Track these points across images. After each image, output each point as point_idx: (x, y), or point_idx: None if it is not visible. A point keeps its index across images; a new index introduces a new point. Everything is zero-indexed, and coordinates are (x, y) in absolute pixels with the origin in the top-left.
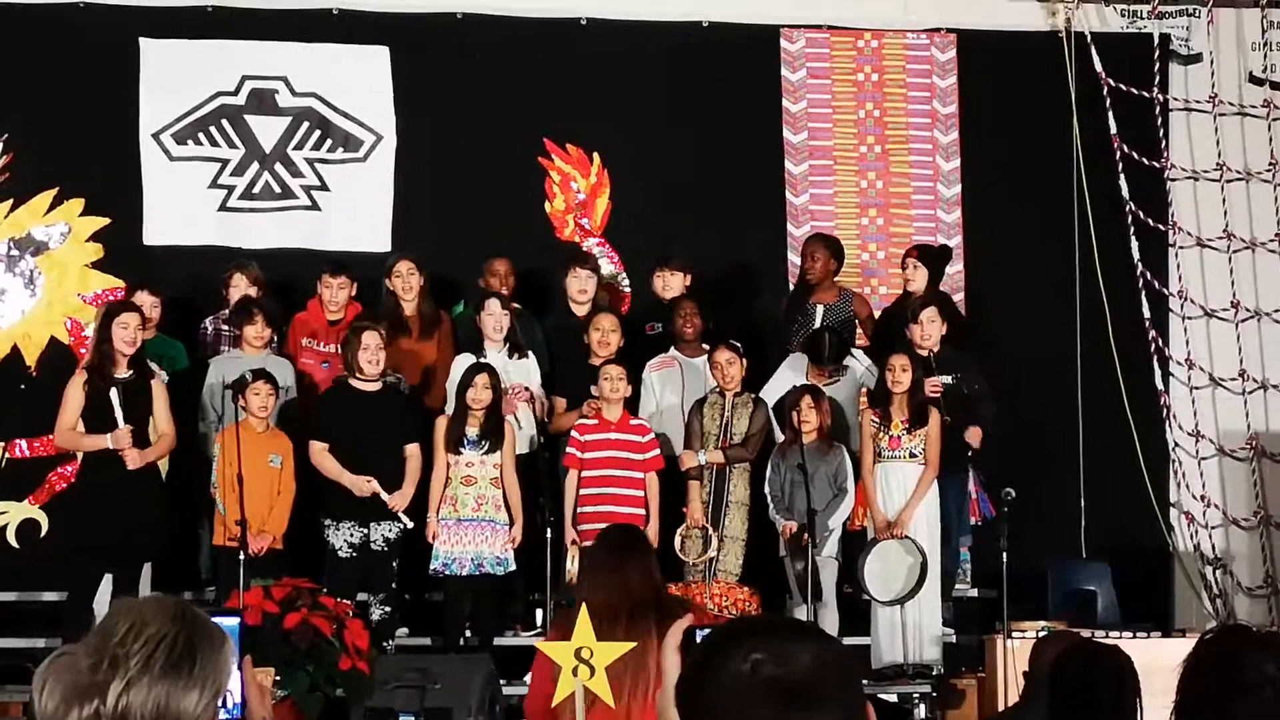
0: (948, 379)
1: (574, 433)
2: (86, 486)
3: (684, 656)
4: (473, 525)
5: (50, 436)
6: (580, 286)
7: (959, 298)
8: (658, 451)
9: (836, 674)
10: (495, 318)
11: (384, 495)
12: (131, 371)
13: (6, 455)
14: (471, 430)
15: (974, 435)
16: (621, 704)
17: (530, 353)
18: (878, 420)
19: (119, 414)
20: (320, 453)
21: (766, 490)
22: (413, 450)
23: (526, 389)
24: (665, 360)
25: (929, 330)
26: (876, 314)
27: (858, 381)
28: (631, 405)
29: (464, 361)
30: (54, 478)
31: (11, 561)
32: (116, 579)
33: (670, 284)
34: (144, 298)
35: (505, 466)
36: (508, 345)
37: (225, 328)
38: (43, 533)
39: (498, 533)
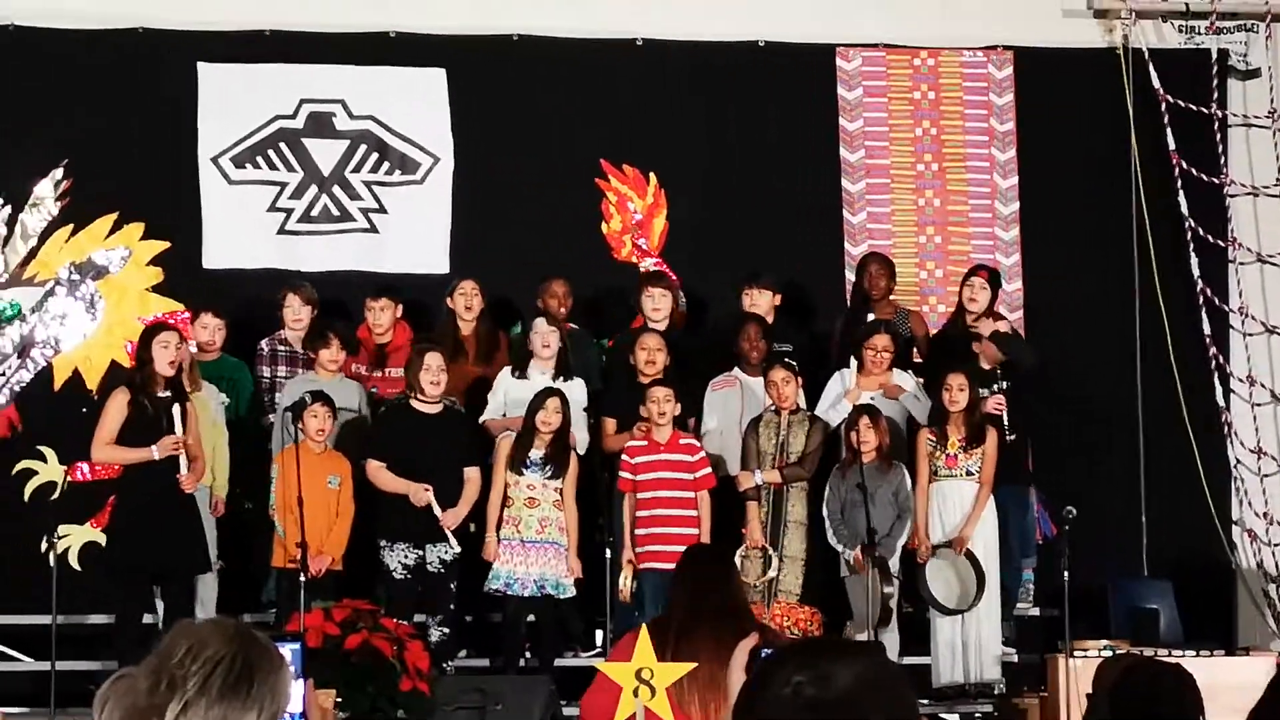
0: (1002, 386)
1: (624, 455)
2: (127, 507)
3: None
4: (536, 547)
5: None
6: (655, 305)
7: (1018, 315)
8: (709, 470)
9: (878, 691)
10: (541, 336)
11: (437, 510)
12: (169, 392)
13: (68, 478)
14: (537, 453)
15: (995, 404)
16: (704, 711)
17: (577, 378)
18: (934, 439)
19: (179, 428)
20: (377, 469)
21: (825, 512)
22: (471, 474)
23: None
24: (727, 380)
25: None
26: (932, 333)
27: (906, 400)
28: (695, 420)
29: (507, 377)
30: (115, 500)
31: (75, 584)
32: (166, 596)
33: (758, 302)
34: (208, 319)
35: (567, 492)
36: (555, 367)
37: (282, 349)
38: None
39: (561, 555)
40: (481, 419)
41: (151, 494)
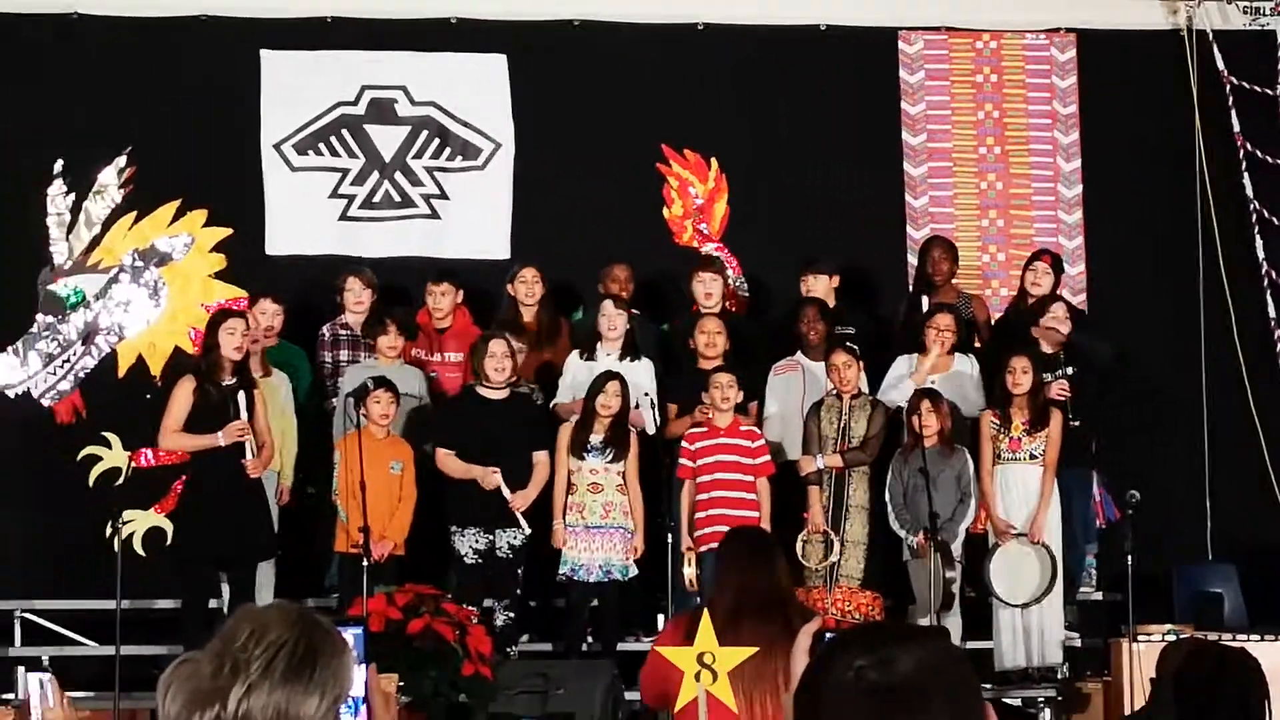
0: (1069, 370)
1: (684, 442)
2: (196, 493)
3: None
4: (601, 532)
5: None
6: (706, 290)
7: (1081, 298)
8: (769, 457)
9: (942, 676)
10: (609, 318)
11: (506, 491)
12: (236, 379)
13: (133, 464)
14: (597, 437)
15: (1059, 388)
16: (749, 706)
17: (645, 359)
18: (997, 422)
19: (244, 414)
20: (445, 456)
21: (887, 497)
22: (540, 457)
23: (648, 394)
24: (789, 364)
25: (1063, 329)
26: (995, 317)
27: (972, 381)
28: (757, 406)
29: (575, 360)
30: (179, 486)
31: (138, 570)
32: (232, 582)
33: (815, 286)
34: (267, 305)
35: (629, 474)
36: (623, 348)
37: (344, 333)
38: (168, 541)
39: (626, 539)
40: (553, 403)
41: (217, 481)
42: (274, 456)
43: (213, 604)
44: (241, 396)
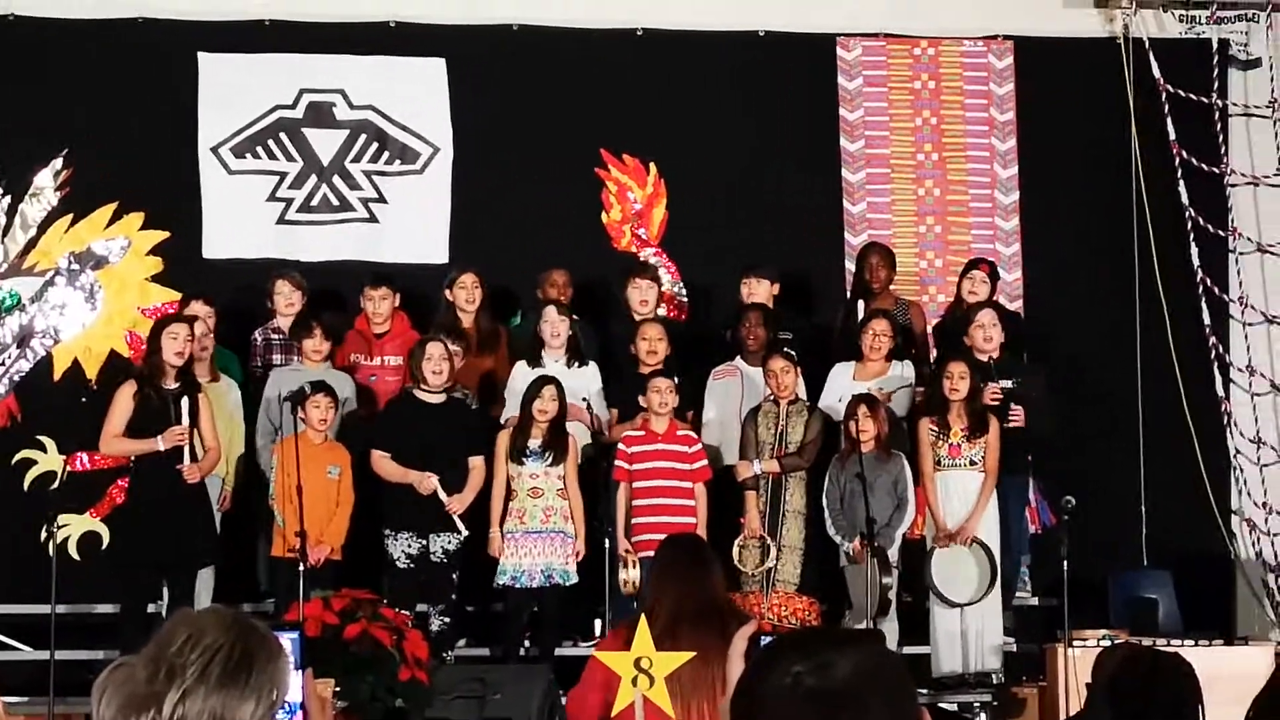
0: (1008, 383)
1: (621, 445)
2: (138, 496)
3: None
4: (541, 537)
5: None
6: (641, 297)
7: (1018, 305)
8: (705, 462)
9: (879, 681)
10: (553, 324)
11: (443, 495)
12: (179, 384)
13: (68, 468)
14: (535, 441)
15: (992, 394)
16: (686, 713)
17: (592, 362)
18: (936, 428)
19: (185, 420)
20: (381, 459)
21: (824, 502)
22: (476, 462)
23: (585, 401)
24: (728, 369)
25: (991, 334)
26: (932, 323)
27: (906, 388)
28: (695, 411)
29: (523, 369)
30: (114, 490)
31: (73, 574)
32: (172, 588)
33: (756, 291)
34: (199, 307)
35: (569, 478)
36: (567, 354)
37: (275, 337)
38: (104, 545)
39: (566, 543)
40: (504, 418)
41: (158, 486)
42: (220, 461)
43: (150, 608)
44: (185, 401)
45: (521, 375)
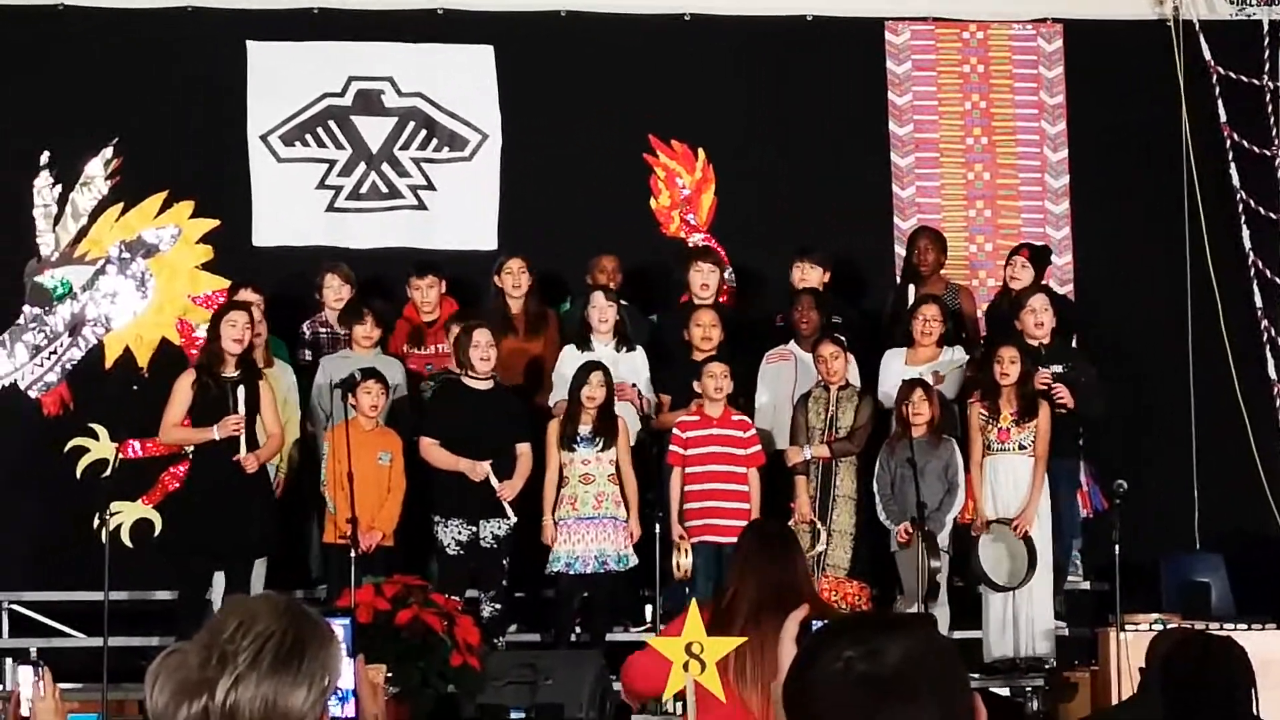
0: (1058, 368)
1: (675, 430)
2: (197, 485)
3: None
4: (594, 523)
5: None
6: (703, 280)
7: (1068, 289)
8: (759, 447)
9: (930, 666)
10: (600, 310)
11: (494, 481)
12: (240, 371)
13: (120, 456)
14: (585, 428)
15: (1043, 378)
16: (760, 696)
17: (639, 347)
18: (985, 413)
19: (241, 408)
20: (430, 446)
21: (875, 487)
22: (523, 449)
23: (634, 385)
24: (781, 353)
25: (1042, 319)
26: (982, 308)
27: (958, 370)
28: (747, 396)
29: (571, 353)
30: (166, 478)
31: (126, 561)
32: (229, 577)
33: (808, 276)
34: (248, 294)
35: (621, 461)
36: (616, 339)
37: (323, 331)
38: (156, 532)
39: (619, 528)
40: (551, 401)
41: (216, 474)
42: (280, 448)
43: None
44: (242, 389)
45: (570, 359)
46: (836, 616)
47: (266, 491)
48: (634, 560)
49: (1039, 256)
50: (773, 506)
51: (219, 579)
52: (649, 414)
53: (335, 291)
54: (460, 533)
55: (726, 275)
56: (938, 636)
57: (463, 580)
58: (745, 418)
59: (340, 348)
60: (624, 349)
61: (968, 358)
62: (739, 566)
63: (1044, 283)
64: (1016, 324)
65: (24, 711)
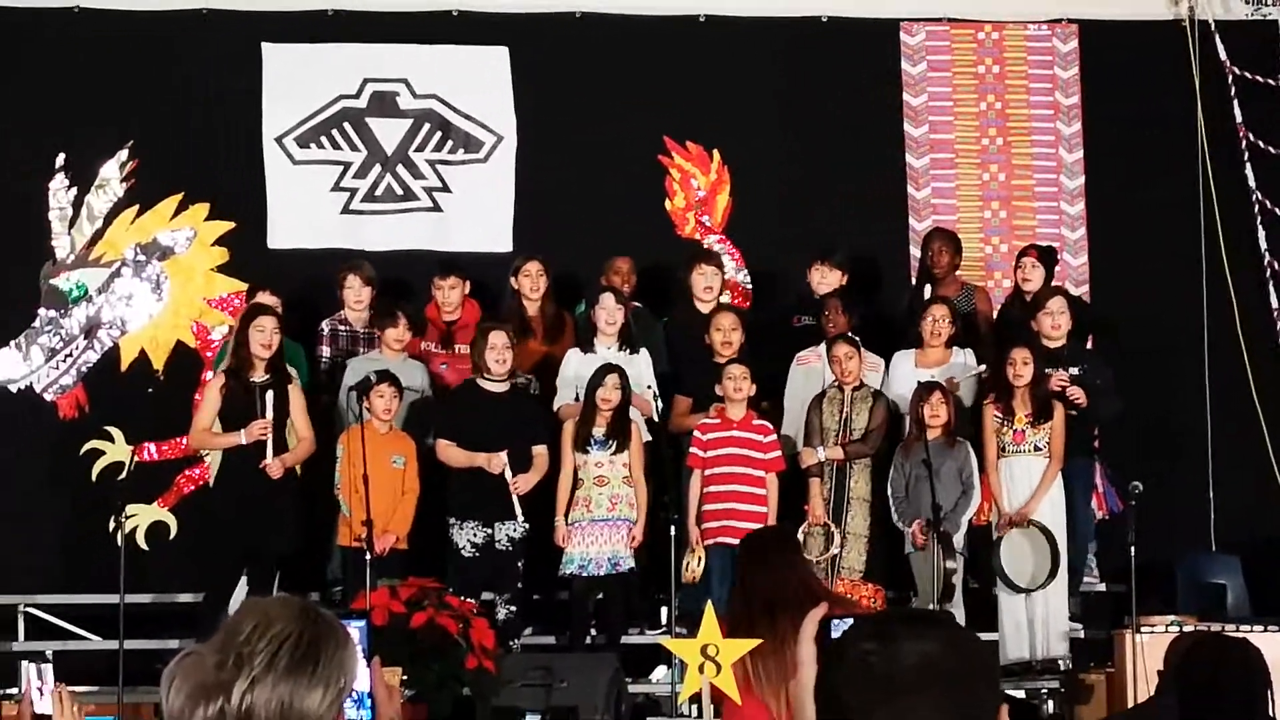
0: (1075, 370)
1: (696, 432)
2: (225, 488)
3: (819, 647)
4: (608, 525)
5: (178, 439)
6: (706, 283)
7: (1083, 289)
8: (779, 452)
9: (943, 670)
10: (608, 311)
11: (509, 475)
12: (269, 375)
13: (135, 458)
14: (599, 430)
15: (1058, 380)
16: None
17: (644, 349)
18: (1000, 415)
19: (269, 413)
20: (446, 447)
21: (889, 490)
22: (539, 450)
23: (650, 385)
24: (811, 354)
25: (1059, 321)
26: (996, 309)
27: (973, 377)
28: (765, 397)
29: (575, 356)
30: (182, 480)
31: (141, 564)
32: (251, 579)
33: (827, 278)
34: (265, 298)
35: (634, 465)
36: (619, 341)
37: (343, 329)
38: (171, 535)
39: (632, 531)
40: (556, 405)
41: (243, 478)
42: (307, 451)
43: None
44: (270, 395)
45: (574, 361)
46: (861, 612)
47: (292, 495)
48: (631, 563)
49: (1047, 257)
50: (787, 509)
51: (242, 582)
52: (652, 417)
53: (355, 292)
54: (475, 535)
55: (742, 277)
56: (961, 636)
57: (478, 582)
58: (766, 422)
59: (359, 346)
60: (626, 350)
61: (984, 365)
62: (742, 581)
63: (1059, 284)
64: (1032, 325)
65: (39, 710)
